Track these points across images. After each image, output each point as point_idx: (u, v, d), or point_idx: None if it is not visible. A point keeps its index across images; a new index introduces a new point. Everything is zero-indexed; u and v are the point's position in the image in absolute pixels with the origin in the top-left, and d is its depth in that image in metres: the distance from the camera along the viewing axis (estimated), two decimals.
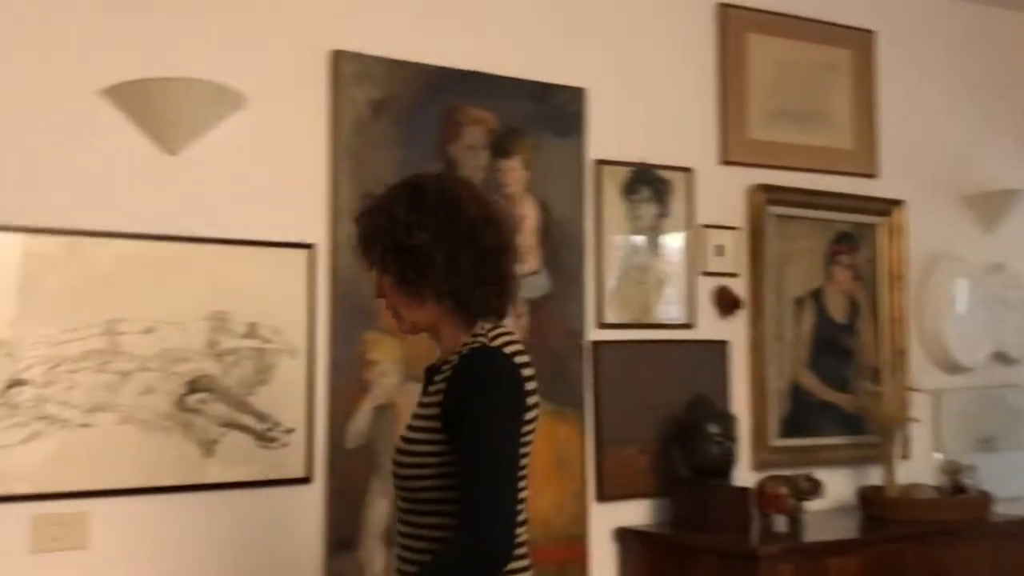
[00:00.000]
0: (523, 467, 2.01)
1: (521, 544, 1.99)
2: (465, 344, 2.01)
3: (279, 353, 3.02)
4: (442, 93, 3.29)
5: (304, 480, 3.03)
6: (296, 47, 3.12)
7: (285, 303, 3.05)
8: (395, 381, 3.17)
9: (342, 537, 3.05)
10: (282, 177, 3.09)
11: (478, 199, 2.09)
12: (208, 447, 2.90)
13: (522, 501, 2.01)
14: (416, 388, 3.14)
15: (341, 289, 3.11)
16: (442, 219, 2.01)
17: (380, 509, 3.11)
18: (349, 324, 3.11)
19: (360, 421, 3.11)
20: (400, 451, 2.07)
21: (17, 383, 2.69)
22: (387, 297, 2.10)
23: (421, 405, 2.08)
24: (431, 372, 2.13)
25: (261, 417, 2.98)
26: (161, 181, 2.90)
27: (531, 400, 2.02)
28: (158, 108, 2.85)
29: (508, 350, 2.00)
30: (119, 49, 2.85)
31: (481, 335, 2.01)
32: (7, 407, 2.66)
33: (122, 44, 2.86)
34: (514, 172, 3.41)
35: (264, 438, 2.98)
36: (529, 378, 2.02)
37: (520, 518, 1.99)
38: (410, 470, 2.02)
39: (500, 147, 3.39)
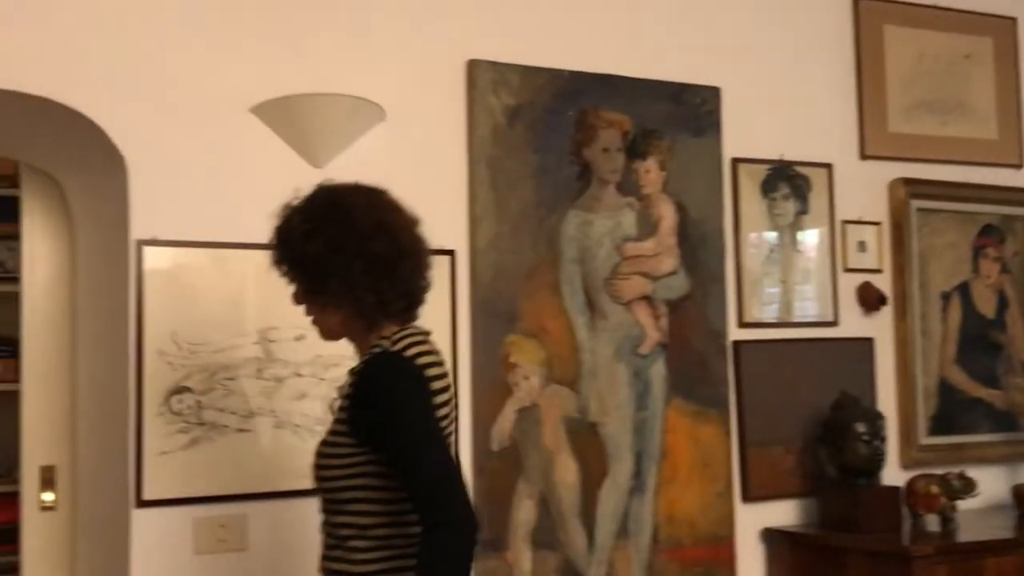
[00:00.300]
0: None
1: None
2: (372, 348, 2.10)
3: None
4: (576, 97, 3.32)
5: None
6: (433, 59, 3.18)
7: (427, 308, 3.07)
8: (537, 383, 3.20)
9: (490, 538, 3.09)
10: (422, 186, 3.13)
11: (375, 208, 2.18)
12: None
13: None
14: (559, 390, 3.21)
15: (481, 293, 3.16)
16: (332, 230, 2.11)
17: (527, 510, 3.15)
18: (490, 328, 3.16)
19: (504, 423, 3.15)
20: (317, 451, 2.16)
21: (178, 391, 2.81)
22: (302, 305, 2.21)
23: (339, 408, 2.15)
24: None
25: None
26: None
27: (439, 398, 2.08)
28: (304, 123, 2.95)
29: (410, 352, 2.08)
30: (267, 68, 2.95)
31: (385, 339, 2.10)
32: (169, 414, 2.79)
33: (269, 63, 2.96)
34: (650, 173, 3.42)
35: None
36: (436, 377, 2.08)
37: (407, 530, 2.05)
38: (324, 471, 2.13)
39: (636, 149, 3.40)
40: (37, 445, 3.35)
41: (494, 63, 3.22)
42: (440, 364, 2.13)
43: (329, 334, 2.23)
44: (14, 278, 3.99)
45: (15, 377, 4.07)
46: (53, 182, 3.38)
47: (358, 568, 2.06)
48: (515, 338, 3.18)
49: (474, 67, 3.20)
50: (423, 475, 1.97)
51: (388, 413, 2.01)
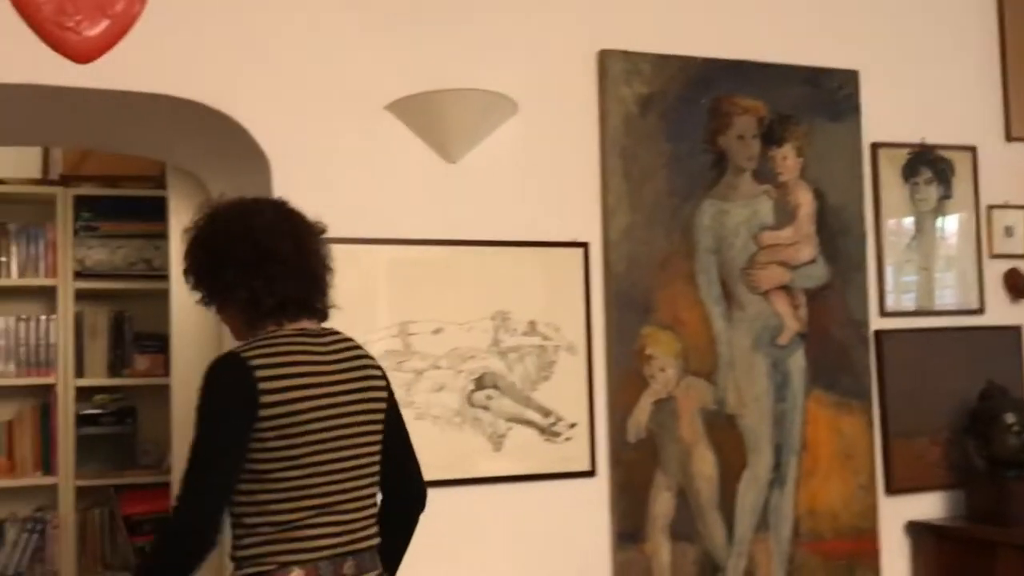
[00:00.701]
0: (284, 459, 2.13)
1: (277, 541, 2.13)
2: None
3: (559, 350, 3.10)
4: (710, 85, 3.28)
5: (588, 473, 3.09)
6: (564, 50, 3.19)
7: (562, 301, 3.13)
8: (674, 375, 3.18)
9: (627, 529, 3.09)
10: (555, 178, 3.16)
11: (246, 215, 2.29)
12: (497, 441, 3.01)
13: (285, 496, 2.14)
14: (696, 382, 3.19)
15: (616, 285, 3.15)
16: (203, 239, 2.26)
17: (665, 502, 3.13)
18: (625, 319, 3.15)
19: (640, 415, 3.14)
20: None
21: None
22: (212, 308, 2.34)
23: None
24: None
25: (545, 412, 3.06)
26: (443, 189, 3.04)
27: (270, 398, 2.12)
28: (438, 119, 2.98)
29: (248, 354, 2.16)
30: (401, 66, 3.00)
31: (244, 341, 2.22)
32: None
33: (403, 61, 3.00)
34: (787, 160, 3.36)
35: (548, 433, 3.06)
36: (272, 378, 2.14)
37: (274, 517, 2.14)
38: None
39: (772, 135, 3.34)
40: (187, 437, 3.47)
41: (626, 52, 3.20)
42: (289, 365, 2.18)
43: (233, 332, 2.34)
44: (162, 276, 4.15)
45: (164, 371, 4.25)
46: (198, 182, 3.51)
47: (237, 554, 2.17)
48: (650, 330, 3.17)
49: (606, 57, 3.19)
50: (184, 479, 2.11)
51: (196, 410, 2.15)
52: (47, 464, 4.28)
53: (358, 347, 2.37)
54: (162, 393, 4.18)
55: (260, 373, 2.14)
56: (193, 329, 3.56)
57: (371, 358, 2.38)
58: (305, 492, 2.17)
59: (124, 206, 4.44)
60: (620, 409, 3.13)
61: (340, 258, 2.87)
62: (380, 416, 2.33)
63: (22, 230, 4.36)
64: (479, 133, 3.04)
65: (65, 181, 4.43)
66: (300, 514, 2.16)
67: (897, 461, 3.43)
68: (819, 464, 3.32)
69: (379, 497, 2.33)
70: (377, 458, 2.32)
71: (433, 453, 2.92)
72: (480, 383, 3.01)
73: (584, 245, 3.15)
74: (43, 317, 4.33)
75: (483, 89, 2.97)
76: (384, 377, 2.38)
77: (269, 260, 2.25)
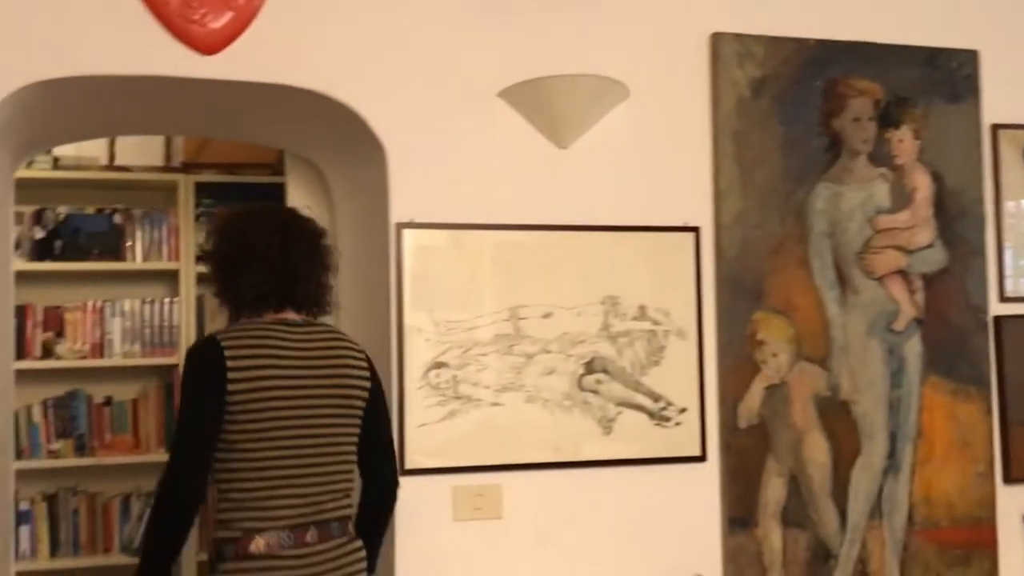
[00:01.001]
0: (249, 431, 2.40)
1: (242, 508, 2.40)
2: None
3: (669, 334, 3.10)
4: (824, 66, 3.23)
5: (699, 458, 3.09)
6: (675, 34, 3.18)
7: (673, 285, 3.13)
8: (786, 360, 3.15)
9: (738, 515, 3.09)
10: (665, 162, 3.16)
11: (240, 219, 2.61)
12: (606, 425, 3.03)
13: (250, 468, 2.41)
14: (809, 368, 3.16)
15: (727, 270, 3.14)
16: (210, 240, 2.65)
17: (776, 488, 3.12)
18: (737, 304, 3.14)
19: (752, 401, 3.13)
20: None
21: (436, 366, 2.93)
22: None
23: None
24: None
25: (655, 397, 3.07)
26: (554, 174, 3.06)
27: (236, 375, 2.39)
28: (549, 105, 3.00)
29: (221, 336, 2.46)
30: (513, 53, 3.02)
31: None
32: (428, 387, 2.91)
33: (515, 48, 3.03)
34: (904, 142, 3.29)
35: (658, 417, 3.07)
36: (241, 357, 2.41)
37: (241, 486, 2.41)
38: None
39: (888, 117, 3.28)
40: None
41: (738, 35, 3.18)
42: (257, 347, 2.45)
43: (229, 322, 2.64)
44: None
45: None
46: (315, 169, 3.59)
47: (216, 517, 2.44)
48: (762, 315, 3.15)
49: (718, 40, 3.17)
50: (172, 442, 2.45)
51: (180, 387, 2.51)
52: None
53: (340, 340, 2.62)
54: None
55: (228, 353, 2.41)
56: None
57: (354, 351, 2.62)
58: (268, 464, 2.43)
59: (242, 192, 4.57)
60: (731, 394, 3.12)
61: (456, 244, 2.96)
62: (356, 403, 2.57)
63: (146, 216, 4.53)
64: (590, 118, 3.05)
65: (186, 168, 4.59)
66: (264, 483, 2.42)
67: (1016, 449, 3.34)
68: (935, 451, 3.27)
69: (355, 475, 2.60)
70: (349, 439, 2.56)
71: (542, 436, 2.98)
72: (590, 367, 3.03)
73: (695, 230, 3.14)
74: (166, 299, 4.50)
75: (594, 74, 2.99)
76: (368, 369, 2.62)
77: (252, 258, 2.53)
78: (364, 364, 2.62)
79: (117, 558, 4.28)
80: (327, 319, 2.72)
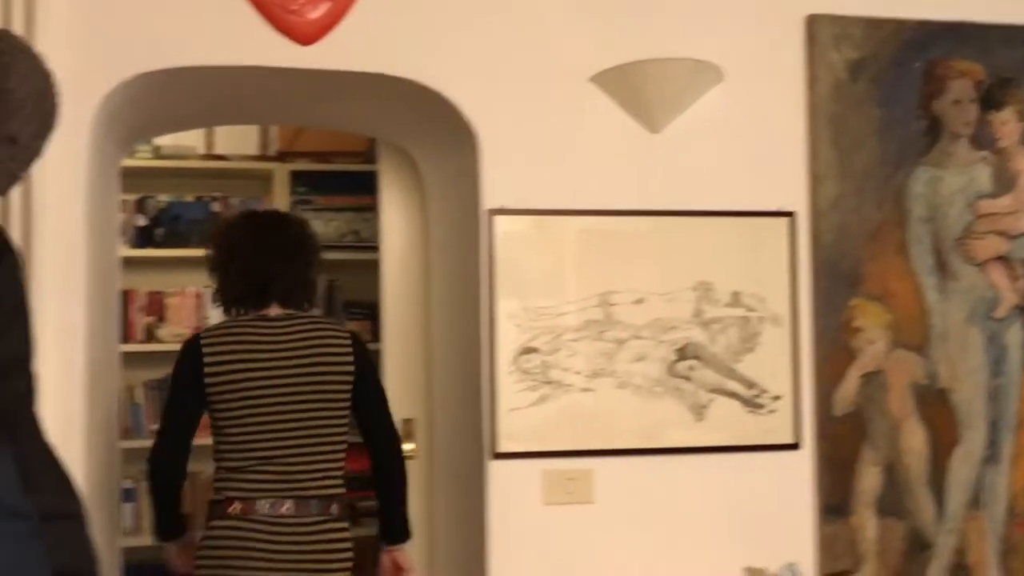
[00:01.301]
0: (228, 418, 2.76)
1: (228, 479, 2.78)
2: None
3: (763, 321, 3.08)
4: (923, 48, 3.17)
5: (793, 446, 3.06)
6: (770, 16, 3.14)
7: (767, 271, 3.10)
8: (883, 348, 3.11)
9: (833, 503, 3.06)
10: (760, 146, 3.13)
11: (225, 227, 3.04)
12: (699, 412, 3.02)
13: (235, 447, 2.77)
14: (906, 355, 3.11)
15: (823, 256, 3.10)
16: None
17: (871, 477, 3.08)
18: (833, 291, 3.10)
19: (848, 388, 3.09)
20: None
21: (527, 351, 2.95)
22: None
23: None
24: None
25: (748, 384, 3.05)
26: (646, 159, 3.05)
27: (211, 369, 2.75)
28: (641, 89, 2.99)
29: (203, 334, 2.84)
30: (604, 37, 3.02)
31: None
32: (519, 372, 2.94)
33: (607, 32, 3.02)
34: (1007, 125, 3.21)
35: (752, 404, 3.05)
36: (215, 353, 2.77)
37: (229, 462, 2.78)
38: None
39: (991, 99, 3.20)
40: (398, 400, 3.62)
41: (835, 17, 3.13)
42: (234, 343, 2.79)
43: None
44: (370, 247, 4.33)
45: (372, 337, 4.43)
46: (407, 157, 3.63)
47: (213, 484, 2.86)
48: (859, 301, 3.10)
49: (814, 22, 3.12)
50: None
51: None
52: None
53: (322, 329, 2.86)
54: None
55: (206, 349, 2.78)
56: (401, 297, 3.70)
57: (336, 337, 2.85)
58: (249, 445, 2.76)
59: (335, 180, 4.65)
60: (826, 382, 3.08)
61: (547, 230, 2.97)
62: (337, 386, 2.81)
63: (243, 203, 4.62)
64: (683, 102, 3.03)
65: (281, 157, 4.67)
66: (246, 462, 2.76)
67: None
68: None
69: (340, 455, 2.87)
70: (331, 421, 2.81)
71: (633, 422, 2.98)
72: (682, 353, 3.03)
73: (791, 215, 3.11)
74: None
75: (688, 58, 2.97)
76: (351, 352, 2.83)
77: (230, 261, 2.87)
78: (347, 348, 2.84)
79: None
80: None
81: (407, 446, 3.58)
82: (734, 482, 3.05)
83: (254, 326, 2.81)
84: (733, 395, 3.05)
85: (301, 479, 2.75)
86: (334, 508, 2.81)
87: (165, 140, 4.47)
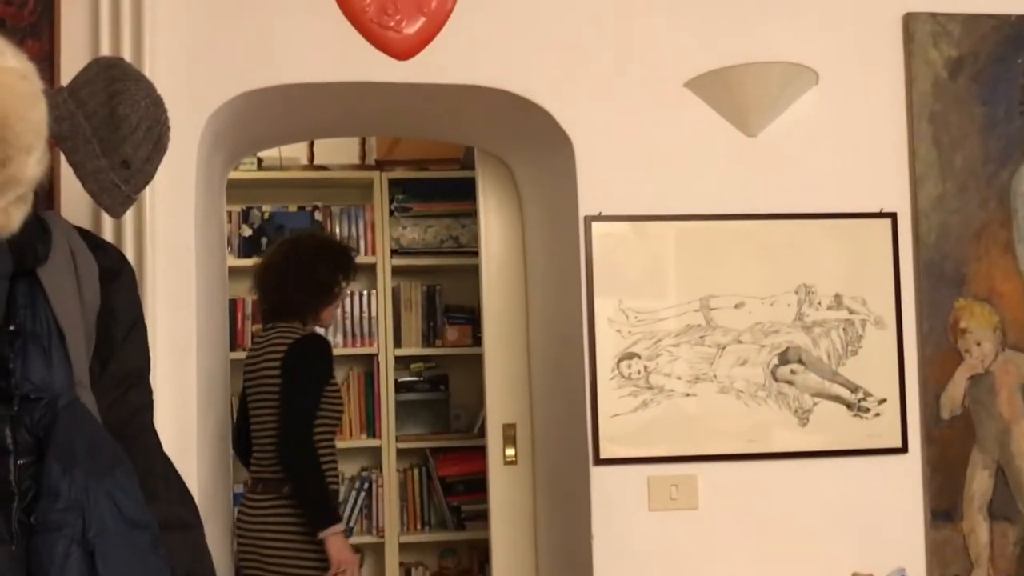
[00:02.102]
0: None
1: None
2: None
3: (866, 324, 3.04)
4: None
5: (900, 450, 3.02)
6: (866, 15, 3.10)
7: (869, 273, 3.06)
8: (991, 349, 3.04)
9: (942, 508, 3.01)
10: (859, 147, 3.09)
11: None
12: (802, 416, 3.00)
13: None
14: (1015, 356, 3.04)
15: (927, 256, 3.05)
16: None
17: (982, 480, 3.02)
18: (937, 292, 3.05)
19: (955, 391, 3.03)
20: None
21: (627, 356, 2.96)
22: None
23: None
24: None
25: (852, 387, 3.02)
26: (743, 163, 3.03)
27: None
28: (737, 94, 2.98)
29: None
30: (699, 42, 3.01)
31: None
32: (620, 378, 2.95)
33: (701, 37, 3.01)
34: None
35: (857, 408, 3.02)
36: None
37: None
38: None
39: None
40: (499, 404, 3.68)
41: (933, 14, 3.07)
42: (250, 351, 3.59)
43: None
44: (469, 252, 4.38)
45: (472, 342, 4.49)
46: (503, 165, 3.67)
47: None
48: (964, 302, 3.05)
49: (911, 20, 3.07)
50: None
51: None
52: (371, 427, 4.64)
53: (277, 337, 3.44)
54: (470, 362, 4.43)
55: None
56: (501, 302, 3.73)
57: (279, 345, 3.41)
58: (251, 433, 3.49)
59: (433, 188, 4.72)
60: (932, 384, 3.03)
61: (644, 236, 2.98)
62: (270, 387, 3.38)
63: (344, 212, 4.72)
64: (779, 105, 3.01)
65: (380, 166, 4.75)
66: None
67: None
68: None
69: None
70: (271, 416, 3.38)
71: (736, 427, 2.97)
72: (784, 357, 3.01)
73: (892, 216, 3.06)
74: (365, 292, 4.68)
75: (784, 61, 2.95)
76: (283, 356, 3.37)
77: (259, 284, 3.58)
78: (279, 355, 3.38)
79: None
80: None
81: (508, 451, 3.63)
82: (840, 487, 3.01)
83: (258, 338, 3.58)
84: (837, 399, 3.02)
85: (262, 464, 3.42)
86: (278, 487, 3.34)
87: (269, 152, 4.58)
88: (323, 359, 3.44)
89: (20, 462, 1.81)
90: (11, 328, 1.83)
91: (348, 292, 3.75)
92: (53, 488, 1.79)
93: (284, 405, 3.35)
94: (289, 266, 3.48)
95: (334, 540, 3.24)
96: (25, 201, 1.77)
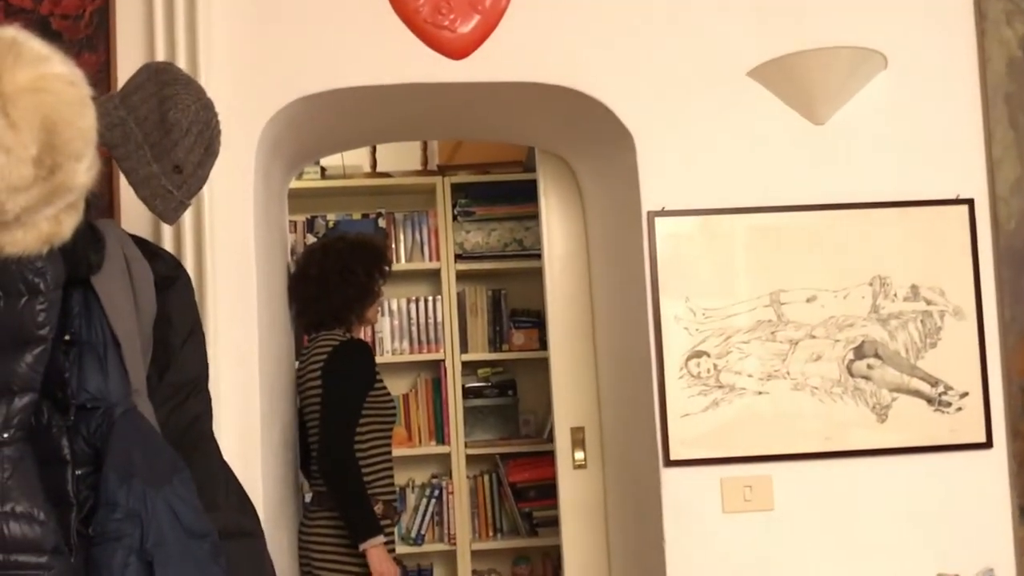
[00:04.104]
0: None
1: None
2: None
3: (945, 315, 2.93)
4: None
5: (984, 445, 2.90)
6: None
7: (946, 262, 2.95)
8: None
9: None
10: (931, 132, 2.99)
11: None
12: (880, 412, 2.89)
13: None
14: None
15: (1006, 243, 2.93)
16: None
17: None
18: (1018, 280, 2.93)
19: None
20: None
21: (696, 355, 2.88)
22: None
23: None
24: None
25: (932, 381, 2.91)
26: (811, 152, 2.94)
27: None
28: (803, 81, 2.89)
29: None
30: (760, 29, 2.93)
31: None
32: (689, 376, 2.87)
33: (762, 24, 2.93)
34: None
35: (937, 402, 2.90)
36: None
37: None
38: None
39: None
40: (567, 408, 3.62)
41: None
42: (299, 361, 3.50)
43: None
44: (533, 255, 4.33)
45: (539, 346, 4.43)
46: (564, 164, 3.62)
47: None
48: None
49: None
50: None
51: None
52: (440, 434, 4.60)
53: (319, 346, 3.40)
54: (538, 366, 4.37)
55: None
56: (566, 305, 3.67)
57: (320, 353, 3.36)
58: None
59: (495, 191, 4.67)
60: (1017, 376, 2.91)
61: (709, 230, 2.90)
62: (315, 396, 3.34)
63: (407, 218, 4.70)
64: (847, 91, 2.92)
65: (442, 171, 4.73)
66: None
67: None
68: None
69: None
70: (318, 426, 3.31)
71: (812, 424, 2.88)
72: (860, 352, 2.90)
73: (969, 202, 2.95)
74: (429, 298, 4.65)
75: (851, 46, 2.85)
76: (321, 367, 3.33)
77: (298, 295, 3.44)
78: (320, 363, 3.34)
79: (398, 548, 4.44)
80: None
81: (577, 455, 3.57)
82: (922, 484, 2.90)
83: (310, 347, 3.51)
84: (917, 394, 2.91)
85: (314, 477, 3.41)
86: (319, 500, 3.35)
87: (332, 160, 4.59)
88: (363, 365, 3.38)
89: (78, 472, 1.80)
90: (66, 338, 1.82)
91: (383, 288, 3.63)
92: (111, 498, 1.77)
93: (324, 414, 3.30)
94: (329, 274, 3.42)
95: (374, 552, 3.18)
96: (76, 209, 1.75)
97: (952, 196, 2.96)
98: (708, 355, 2.88)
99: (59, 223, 1.72)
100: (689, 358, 2.88)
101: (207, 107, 1.96)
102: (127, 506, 1.77)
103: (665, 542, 2.83)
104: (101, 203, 2.45)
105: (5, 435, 1.70)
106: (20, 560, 1.67)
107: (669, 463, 2.84)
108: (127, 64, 2.60)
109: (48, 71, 1.67)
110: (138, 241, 2.04)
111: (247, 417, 2.70)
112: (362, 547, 3.17)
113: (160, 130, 1.90)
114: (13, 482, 1.69)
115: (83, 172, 1.71)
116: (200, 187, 1.99)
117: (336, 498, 3.24)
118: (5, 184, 1.63)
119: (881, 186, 2.94)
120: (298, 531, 3.36)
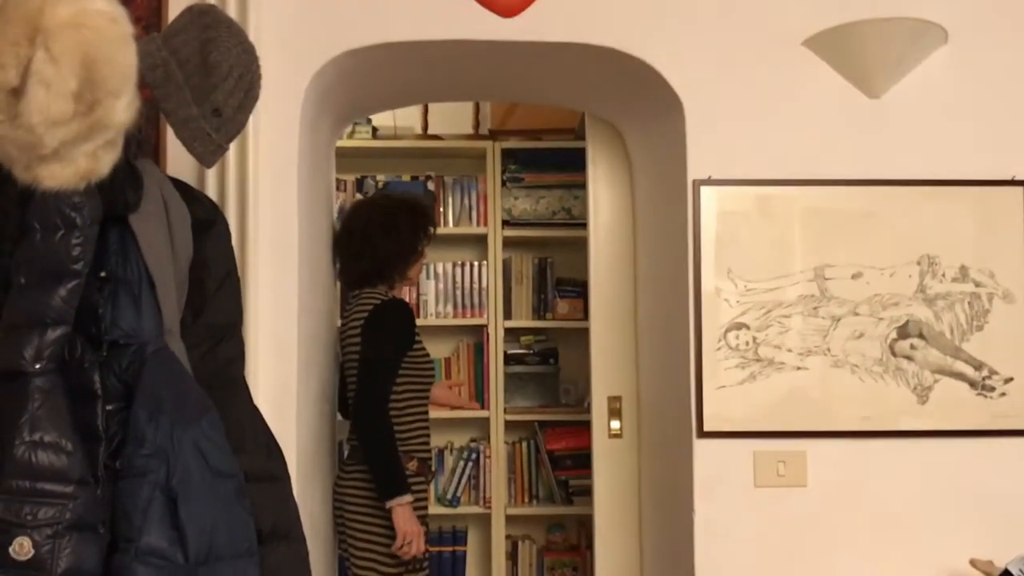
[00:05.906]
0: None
1: None
2: None
3: (993, 298, 2.87)
4: None
5: None
6: None
7: (997, 244, 2.89)
8: None
9: None
10: (990, 111, 2.91)
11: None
12: (922, 394, 2.84)
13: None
14: None
15: None
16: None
17: None
18: None
19: None
20: None
21: (735, 327, 2.85)
22: None
23: None
24: None
25: (977, 365, 2.85)
26: (865, 126, 2.89)
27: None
28: (859, 52, 2.83)
29: None
30: None
31: None
32: (727, 350, 2.84)
33: None
34: None
35: (981, 387, 2.85)
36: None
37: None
38: None
39: None
40: (605, 377, 3.60)
41: None
42: (342, 318, 3.52)
43: None
44: (580, 224, 4.30)
45: (582, 315, 4.41)
46: (614, 131, 3.58)
47: None
48: None
49: None
50: None
51: None
52: (480, 398, 4.60)
53: (360, 304, 3.38)
54: (580, 336, 4.35)
55: None
56: (609, 275, 3.65)
57: (365, 309, 3.34)
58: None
59: (545, 158, 4.64)
60: None
61: (755, 201, 2.86)
62: (355, 353, 3.34)
63: (456, 182, 4.69)
64: (905, 65, 2.85)
65: (493, 136, 4.70)
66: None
67: None
68: None
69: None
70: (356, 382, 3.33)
71: (850, 403, 2.84)
72: (903, 331, 2.85)
73: (1023, 183, 2.88)
74: (475, 263, 4.64)
75: (909, 17, 2.79)
76: (365, 321, 3.32)
77: (342, 250, 3.49)
78: (362, 320, 3.33)
79: (434, 508, 4.48)
80: None
81: (613, 424, 3.55)
82: (961, 469, 2.86)
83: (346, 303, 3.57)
84: (960, 377, 2.85)
85: (351, 431, 3.40)
86: (355, 454, 3.33)
87: (383, 120, 4.58)
88: (403, 324, 3.37)
89: (108, 407, 1.81)
90: (102, 274, 1.84)
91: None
92: (139, 434, 1.79)
93: (360, 371, 3.30)
94: (373, 228, 3.40)
95: (400, 511, 3.18)
96: (115, 146, 1.76)
97: (1008, 177, 2.89)
98: (748, 327, 2.85)
99: (97, 159, 1.74)
100: (728, 330, 2.85)
101: (248, 51, 1.96)
102: (154, 443, 1.79)
103: (695, 513, 2.81)
104: (148, 146, 2.48)
105: (37, 366, 1.73)
106: (46, 488, 1.69)
107: (702, 434, 2.82)
108: (178, 8, 2.60)
109: (89, 7, 1.68)
110: (178, 184, 2.05)
111: (283, 367, 2.72)
112: (388, 504, 3.18)
113: (201, 72, 1.91)
114: (43, 412, 1.72)
115: (122, 109, 1.72)
116: (239, 131, 1.99)
117: (366, 454, 3.25)
118: (44, 118, 1.65)
119: (935, 164, 2.88)
120: (334, 483, 3.38)
